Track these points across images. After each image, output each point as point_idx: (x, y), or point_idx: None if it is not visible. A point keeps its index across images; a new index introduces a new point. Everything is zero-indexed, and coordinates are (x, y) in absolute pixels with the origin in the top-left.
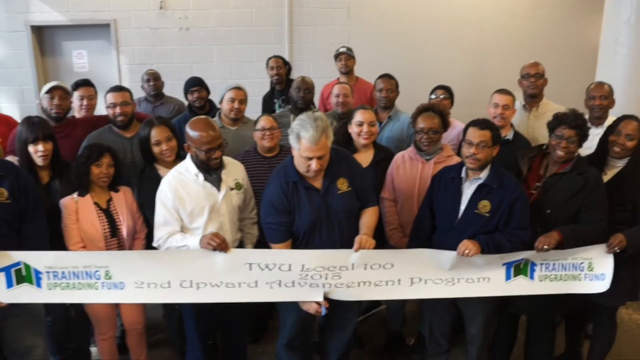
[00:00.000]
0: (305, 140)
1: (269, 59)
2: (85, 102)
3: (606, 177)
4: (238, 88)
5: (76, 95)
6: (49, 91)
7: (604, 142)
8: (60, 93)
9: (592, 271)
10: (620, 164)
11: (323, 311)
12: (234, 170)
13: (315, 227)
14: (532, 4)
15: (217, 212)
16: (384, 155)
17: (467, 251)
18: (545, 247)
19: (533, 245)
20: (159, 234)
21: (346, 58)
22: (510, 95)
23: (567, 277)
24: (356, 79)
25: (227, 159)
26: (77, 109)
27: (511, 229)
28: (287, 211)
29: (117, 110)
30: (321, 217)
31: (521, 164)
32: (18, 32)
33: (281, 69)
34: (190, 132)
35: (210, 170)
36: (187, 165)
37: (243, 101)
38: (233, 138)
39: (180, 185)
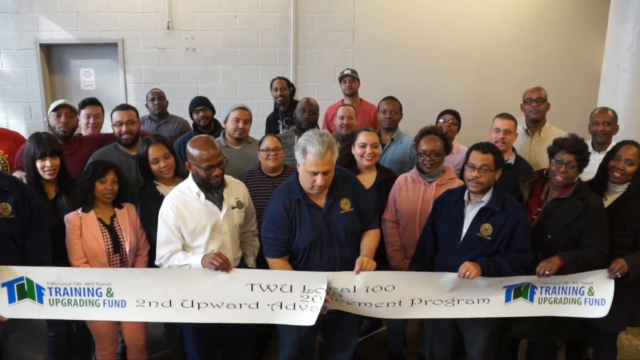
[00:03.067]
0: (311, 155)
1: (274, 80)
2: (92, 120)
3: (607, 202)
4: (242, 108)
5: (83, 113)
6: (56, 109)
7: (604, 167)
8: (67, 111)
9: (592, 295)
10: (620, 189)
11: (327, 306)
12: (235, 189)
13: (316, 245)
14: (535, 29)
15: (218, 230)
16: (386, 177)
17: (468, 273)
18: (547, 272)
19: (534, 269)
20: (160, 252)
21: (350, 80)
22: (511, 120)
23: (567, 300)
24: (360, 100)
25: (228, 178)
26: (83, 127)
27: (512, 252)
28: (287, 228)
29: (123, 128)
30: (322, 235)
31: (522, 188)
32: (27, 50)
33: (285, 90)
34: (191, 150)
35: (212, 189)
36: (189, 184)
37: (247, 121)
38: (237, 157)
39: (181, 203)
